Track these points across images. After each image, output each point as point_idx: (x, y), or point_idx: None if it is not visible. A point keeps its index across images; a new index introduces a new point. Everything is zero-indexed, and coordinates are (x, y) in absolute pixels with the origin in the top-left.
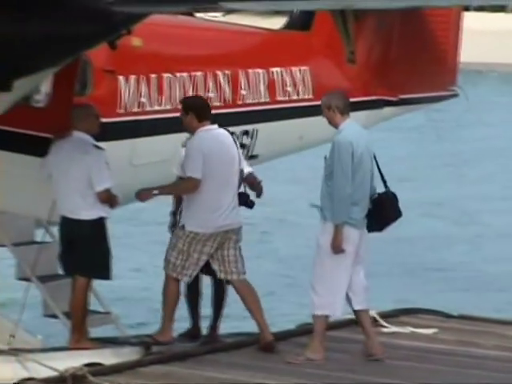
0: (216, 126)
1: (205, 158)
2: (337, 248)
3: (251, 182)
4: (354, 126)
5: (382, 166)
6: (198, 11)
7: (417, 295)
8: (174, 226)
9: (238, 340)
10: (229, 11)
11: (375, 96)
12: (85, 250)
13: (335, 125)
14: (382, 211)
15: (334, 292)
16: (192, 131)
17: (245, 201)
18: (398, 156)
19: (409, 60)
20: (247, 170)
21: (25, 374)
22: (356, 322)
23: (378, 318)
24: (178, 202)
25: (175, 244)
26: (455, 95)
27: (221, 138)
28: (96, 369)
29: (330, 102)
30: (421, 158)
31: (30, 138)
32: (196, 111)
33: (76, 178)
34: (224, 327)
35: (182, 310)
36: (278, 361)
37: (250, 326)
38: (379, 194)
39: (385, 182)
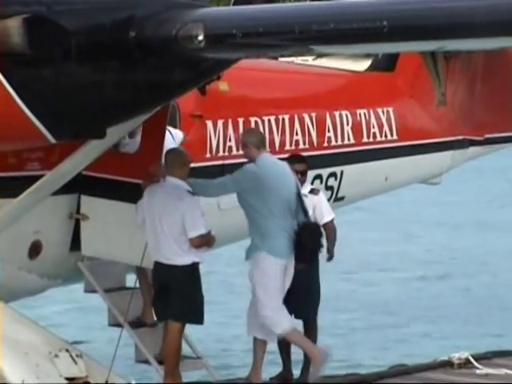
0: None
1: None
2: None
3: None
4: (268, 158)
5: None
6: (289, 56)
7: None
8: None
9: (331, 381)
10: (319, 55)
11: (461, 136)
12: (178, 295)
13: (253, 160)
14: (301, 241)
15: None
16: None
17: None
18: None
19: (493, 98)
20: (329, 217)
21: None
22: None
23: (471, 359)
24: None
25: None
26: None
27: None
28: None
29: (245, 140)
30: None
31: (122, 184)
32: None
33: (170, 223)
34: None
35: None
36: None
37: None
38: (301, 225)
39: (305, 213)
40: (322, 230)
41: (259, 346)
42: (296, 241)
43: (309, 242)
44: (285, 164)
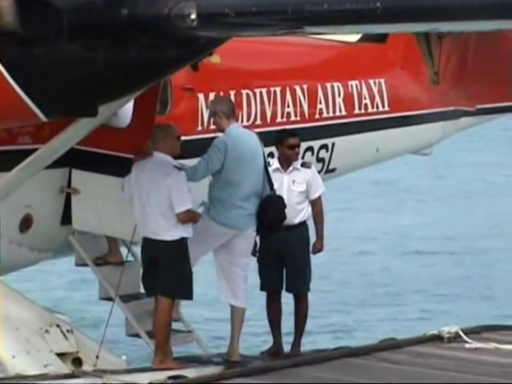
0: None
1: None
2: None
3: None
4: (237, 129)
5: None
6: (282, 35)
7: None
8: None
9: (321, 354)
10: (313, 35)
11: (452, 106)
12: (167, 270)
13: (222, 129)
14: (265, 214)
15: None
16: None
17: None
18: None
19: (485, 70)
20: (319, 192)
21: None
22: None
23: (461, 333)
24: None
25: None
26: None
27: None
28: (180, 381)
29: (215, 109)
30: None
31: (112, 158)
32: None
33: (157, 199)
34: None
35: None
36: (361, 376)
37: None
38: (264, 197)
39: (271, 186)
40: (310, 204)
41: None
42: (258, 213)
43: (271, 215)
44: (254, 134)
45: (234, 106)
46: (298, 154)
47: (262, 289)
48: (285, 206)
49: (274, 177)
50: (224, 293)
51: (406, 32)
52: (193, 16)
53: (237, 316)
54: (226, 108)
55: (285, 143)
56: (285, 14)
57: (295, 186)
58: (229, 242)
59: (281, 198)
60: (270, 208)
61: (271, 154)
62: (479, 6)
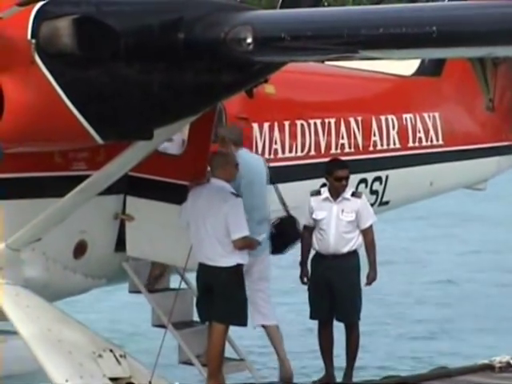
0: None
1: None
2: None
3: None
4: (246, 154)
5: None
6: (338, 59)
7: None
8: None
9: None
10: (368, 59)
11: (507, 141)
12: (222, 296)
13: None
14: (283, 234)
15: None
16: None
17: None
18: None
19: None
20: (370, 221)
21: None
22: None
23: None
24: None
25: None
26: None
27: None
28: None
29: (225, 135)
30: None
31: (166, 185)
32: None
33: (214, 225)
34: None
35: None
36: None
37: None
38: (280, 218)
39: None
40: (358, 234)
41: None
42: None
43: (285, 234)
44: (261, 158)
45: (242, 134)
46: (345, 186)
47: (311, 317)
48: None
49: (324, 206)
50: (253, 317)
51: (462, 57)
52: (249, 40)
53: (273, 334)
54: (235, 137)
55: (333, 175)
56: (340, 37)
57: (344, 216)
58: (247, 269)
59: (294, 219)
60: (288, 229)
61: (325, 184)
62: None
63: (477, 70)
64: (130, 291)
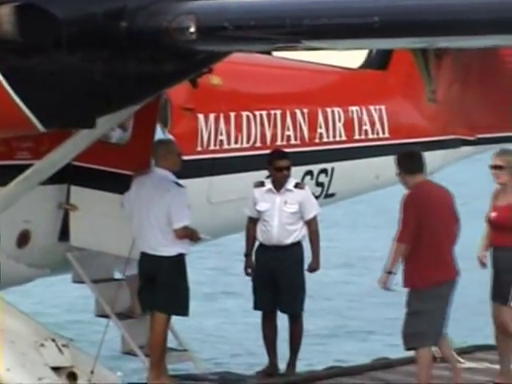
0: None
1: None
2: None
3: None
4: None
5: None
6: (281, 50)
7: None
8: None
9: (314, 374)
10: (311, 49)
11: (453, 135)
12: (164, 286)
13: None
14: None
15: None
16: None
17: None
18: None
19: (486, 98)
20: (314, 212)
21: None
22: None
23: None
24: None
25: None
26: None
27: None
28: None
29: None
30: None
31: (110, 175)
32: None
33: (156, 214)
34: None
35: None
36: None
37: None
38: None
39: None
40: (302, 226)
41: None
42: None
43: None
44: None
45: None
46: (287, 176)
47: (255, 308)
48: None
49: (267, 197)
50: None
51: (405, 47)
52: (192, 29)
53: None
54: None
55: (273, 165)
56: (283, 27)
57: (287, 207)
58: None
59: None
60: None
61: (269, 176)
62: (475, 19)
63: (418, 61)
64: (74, 281)
